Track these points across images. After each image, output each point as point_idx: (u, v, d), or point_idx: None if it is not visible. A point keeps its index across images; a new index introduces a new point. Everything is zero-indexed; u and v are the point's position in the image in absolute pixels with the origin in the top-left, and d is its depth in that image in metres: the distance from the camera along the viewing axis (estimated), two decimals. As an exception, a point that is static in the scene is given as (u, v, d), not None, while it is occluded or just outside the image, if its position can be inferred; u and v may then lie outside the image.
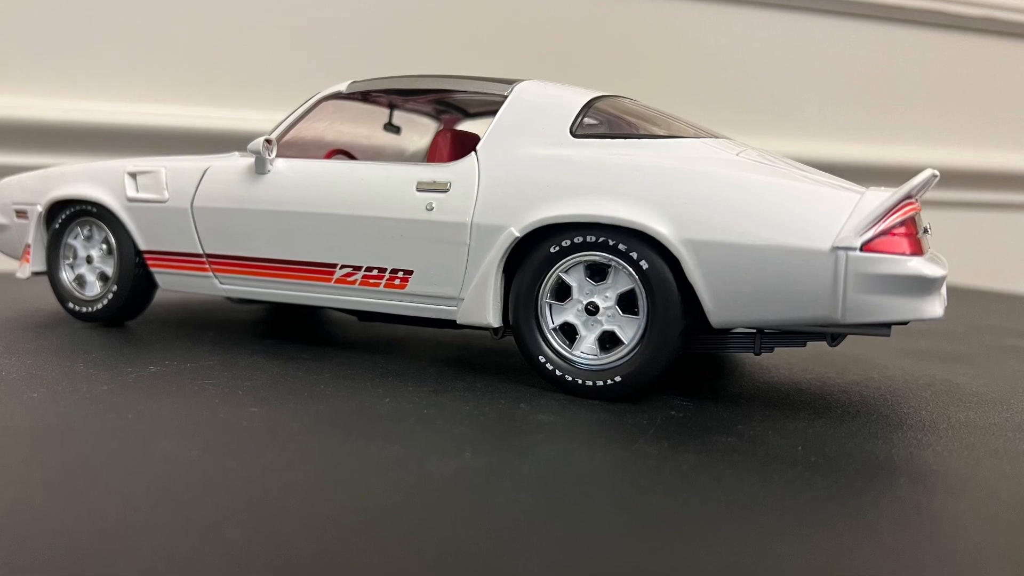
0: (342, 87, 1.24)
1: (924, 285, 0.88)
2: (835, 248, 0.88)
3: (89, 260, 1.35)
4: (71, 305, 1.35)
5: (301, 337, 1.31)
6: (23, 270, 1.39)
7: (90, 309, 1.33)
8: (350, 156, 1.39)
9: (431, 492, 0.68)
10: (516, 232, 1.01)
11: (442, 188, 1.07)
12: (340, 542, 0.59)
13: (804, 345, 1.02)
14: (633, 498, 0.69)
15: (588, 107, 1.08)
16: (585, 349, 1.01)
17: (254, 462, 0.74)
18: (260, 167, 1.19)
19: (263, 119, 1.87)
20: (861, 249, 0.88)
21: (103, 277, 1.34)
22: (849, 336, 1.02)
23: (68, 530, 0.59)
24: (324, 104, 1.25)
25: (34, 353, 1.12)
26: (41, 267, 1.38)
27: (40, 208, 1.36)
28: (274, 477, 0.71)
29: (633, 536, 0.61)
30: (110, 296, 1.31)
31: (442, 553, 0.57)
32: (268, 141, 1.18)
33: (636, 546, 0.60)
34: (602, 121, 1.09)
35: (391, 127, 1.42)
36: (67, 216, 1.35)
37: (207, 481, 0.69)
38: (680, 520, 0.65)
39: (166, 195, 1.26)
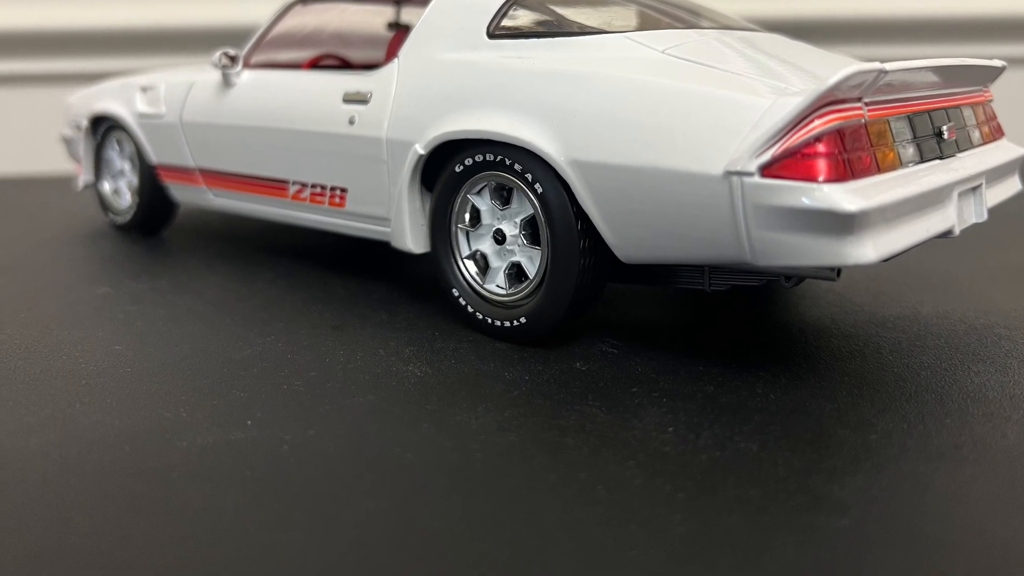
0: (305, -9, 1.16)
1: (840, 222, 0.67)
2: (728, 173, 0.70)
3: (123, 172, 1.40)
4: (110, 215, 1.41)
5: (305, 255, 1.28)
6: (78, 181, 1.47)
7: (123, 220, 1.39)
8: (344, 61, 1.31)
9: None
10: (420, 149, 0.91)
11: (363, 99, 0.98)
12: None
13: (762, 283, 0.84)
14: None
15: (514, 1, 0.93)
16: (499, 282, 0.90)
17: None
18: (226, 80, 1.16)
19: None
20: (761, 174, 0.69)
21: (132, 189, 1.39)
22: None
23: None
24: (297, 9, 1.18)
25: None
26: (91, 178, 1.45)
27: (85, 122, 1.42)
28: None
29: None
30: (135, 208, 1.36)
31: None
32: (228, 55, 1.14)
33: None
34: (530, 16, 0.93)
35: (396, 26, 1.31)
36: (104, 130, 1.40)
37: None
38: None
39: (163, 110, 1.26)
